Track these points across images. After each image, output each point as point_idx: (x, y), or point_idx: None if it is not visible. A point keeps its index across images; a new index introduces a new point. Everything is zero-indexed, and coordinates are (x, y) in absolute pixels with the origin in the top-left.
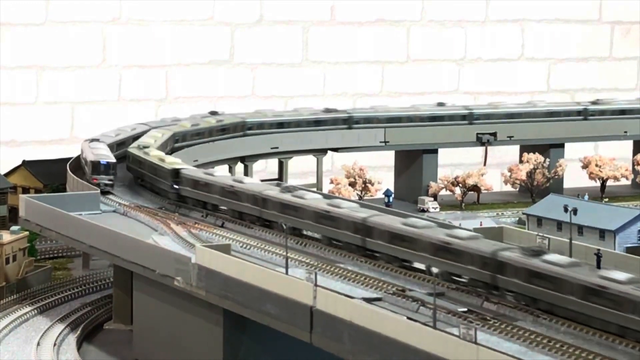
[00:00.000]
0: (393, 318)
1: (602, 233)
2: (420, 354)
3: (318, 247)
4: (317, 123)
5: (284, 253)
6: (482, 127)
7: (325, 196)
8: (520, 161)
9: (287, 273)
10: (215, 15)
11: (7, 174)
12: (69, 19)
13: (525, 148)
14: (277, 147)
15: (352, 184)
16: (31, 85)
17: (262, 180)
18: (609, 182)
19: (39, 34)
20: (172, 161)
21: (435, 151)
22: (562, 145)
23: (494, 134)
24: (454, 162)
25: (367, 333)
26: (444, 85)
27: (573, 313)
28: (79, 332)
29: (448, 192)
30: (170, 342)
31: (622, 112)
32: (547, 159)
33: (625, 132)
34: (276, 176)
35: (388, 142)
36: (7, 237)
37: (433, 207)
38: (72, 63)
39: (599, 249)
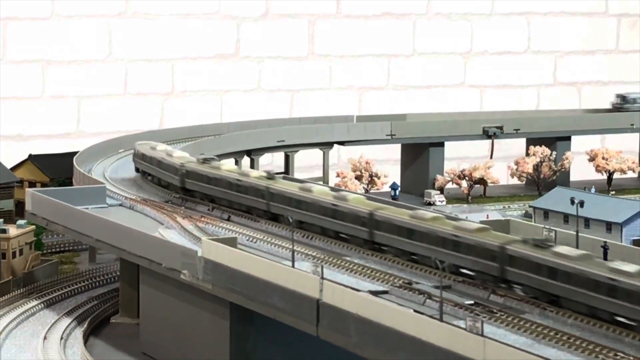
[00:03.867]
0: (400, 311)
1: (609, 225)
2: (426, 346)
3: (324, 240)
4: None
5: (291, 246)
6: (488, 120)
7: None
8: (527, 154)
9: (293, 266)
10: (221, 9)
11: (14, 168)
12: (75, 13)
13: (532, 141)
14: (283, 141)
15: (359, 178)
16: (37, 79)
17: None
18: (616, 175)
19: (45, 28)
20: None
21: (441, 144)
22: (568, 138)
23: (501, 127)
24: (461, 156)
25: (374, 326)
26: (450, 78)
27: None
28: (85, 325)
29: (454, 185)
30: (177, 335)
31: None
32: (554, 152)
33: (632, 124)
34: (282, 170)
35: (394, 135)
36: (13, 231)
37: (439, 201)
38: (78, 57)
39: (605, 242)
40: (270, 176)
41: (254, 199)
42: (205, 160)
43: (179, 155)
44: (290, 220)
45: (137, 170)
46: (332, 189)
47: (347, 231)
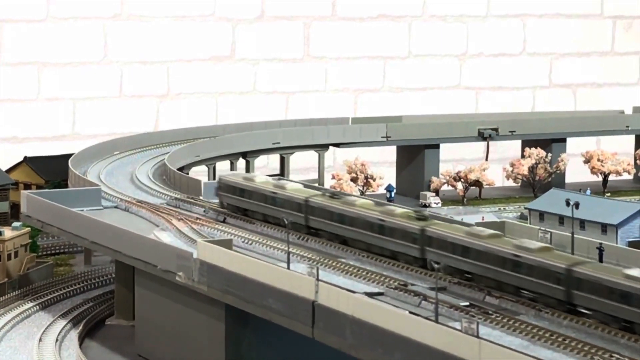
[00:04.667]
0: (395, 312)
1: (604, 227)
2: (422, 348)
3: (319, 242)
4: None
5: (286, 248)
6: (484, 122)
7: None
8: (522, 156)
9: (289, 268)
10: (217, 11)
11: (9, 170)
12: (70, 15)
13: (527, 143)
14: (278, 143)
15: (354, 180)
16: (32, 81)
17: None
18: (611, 177)
19: (40, 30)
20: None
21: (437, 146)
22: (564, 140)
23: (496, 129)
24: (456, 157)
25: (369, 327)
26: (446, 80)
27: None
28: (80, 328)
29: (450, 187)
30: (172, 337)
31: None
32: (549, 154)
33: (627, 126)
34: (278, 172)
35: (390, 137)
36: (8, 233)
37: (435, 203)
38: (73, 59)
39: (601, 243)
40: (422, 216)
41: (402, 244)
42: (333, 195)
43: (294, 187)
44: (286, 222)
45: (222, 205)
46: (510, 237)
47: (535, 289)
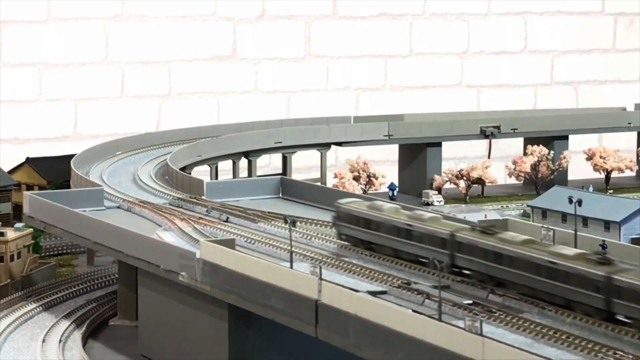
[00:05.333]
0: (398, 311)
1: (607, 224)
2: (425, 346)
3: (322, 241)
4: None
5: (289, 247)
6: (485, 119)
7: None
8: (525, 153)
9: (291, 267)
10: (218, 11)
11: (11, 171)
12: (71, 16)
13: (529, 140)
14: (280, 142)
15: (356, 178)
16: (34, 82)
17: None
18: (614, 174)
19: (41, 31)
20: None
21: (439, 144)
22: (566, 137)
23: (498, 127)
24: (458, 156)
25: (373, 326)
26: (447, 78)
27: None
28: (84, 328)
29: (452, 185)
30: (176, 337)
31: None
32: (551, 151)
33: (629, 123)
34: (280, 171)
35: (392, 135)
36: (11, 234)
37: (437, 201)
38: (74, 60)
39: (604, 240)
40: (605, 260)
41: (581, 292)
42: (485, 230)
43: (432, 218)
44: (287, 220)
45: (339, 236)
46: None
47: None
